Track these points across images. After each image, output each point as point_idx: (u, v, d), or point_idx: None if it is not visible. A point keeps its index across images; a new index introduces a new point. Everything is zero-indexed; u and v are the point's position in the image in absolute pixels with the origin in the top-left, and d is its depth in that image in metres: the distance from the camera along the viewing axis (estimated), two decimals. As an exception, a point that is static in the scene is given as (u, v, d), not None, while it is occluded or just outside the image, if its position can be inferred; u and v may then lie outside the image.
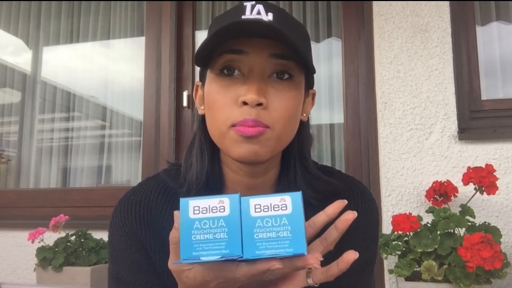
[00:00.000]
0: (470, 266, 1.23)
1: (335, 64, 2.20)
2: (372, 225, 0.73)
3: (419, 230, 1.36)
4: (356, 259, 0.68)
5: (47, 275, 1.64)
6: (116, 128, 2.49)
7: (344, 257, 0.49)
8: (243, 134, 0.59)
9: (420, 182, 1.67)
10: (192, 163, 0.69)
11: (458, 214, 1.37)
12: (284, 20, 0.62)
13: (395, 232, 1.41)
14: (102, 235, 1.72)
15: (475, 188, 1.48)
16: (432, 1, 1.76)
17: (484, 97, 1.73)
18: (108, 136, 2.50)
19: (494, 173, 1.44)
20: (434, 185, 1.55)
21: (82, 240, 1.71)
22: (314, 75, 0.69)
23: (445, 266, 1.30)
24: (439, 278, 1.29)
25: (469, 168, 1.48)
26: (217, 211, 0.44)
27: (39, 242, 1.70)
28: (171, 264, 0.51)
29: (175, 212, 0.48)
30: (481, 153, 1.65)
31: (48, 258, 1.64)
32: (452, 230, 1.35)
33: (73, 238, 1.72)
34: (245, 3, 0.63)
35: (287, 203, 0.45)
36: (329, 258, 0.50)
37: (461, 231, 1.35)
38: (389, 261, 1.60)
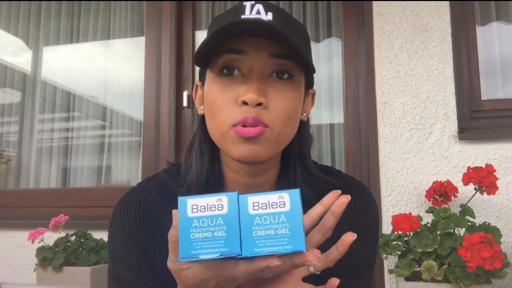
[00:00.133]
0: (470, 266, 1.23)
1: (335, 64, 2.20)
2: (372, 225, 0.73)
3: (419, 230, 1.36)
4: (356, 259, 0.68)
5: (47, 275, 1.64)
6: (116, 128, 2.49)
7: (343, 239, 0.50)
8: (242, 136, 0.59)
9: (420, 182, 1.67)
10: (192, 163, 0.69)
11: (458, 214, 1.37)
12: (284, 19, 0.62)
13: (395, 232, 1.41)
14: (102, 235, 1.72)
15: (475, 188, 1.48)
16: (432, 1, 1.76)
17: (484, 97, 1.73)
18: (108, 136, 2.50)
19: (494, 173, 1.44)
20: (434, 185, 1.55)
21: (82, 240, 1.71)
22: (314, 75, 0.69)
23: (445, 266, 1.30)
24: (439, 278, 1.29)
25: (469, 168, 1.48)
26: (215, 209, 0.45)
27: (39, 242, 1.70)
28: (170, 263, 0.51)
29: (174, 211, 0.48)
30: (481, 153, 1.65)
31: (48, 258, 1.64)
32: (452, 230, 1.35)
33: (73, 238, 1.72)
34: (244, 3, 0.63)
35: (285, 201, 0.45)
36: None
37: (461, 231, 1.35)
38: (389, 261, 1.60)
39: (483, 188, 1.45)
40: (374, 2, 1.82)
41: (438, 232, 1.34)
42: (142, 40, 2.21)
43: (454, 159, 1.66)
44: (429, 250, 1.31)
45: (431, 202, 1.54)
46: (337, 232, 0.52)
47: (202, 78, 0.68)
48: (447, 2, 1.75)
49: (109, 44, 2.54)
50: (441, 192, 1.52)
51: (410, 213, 1.40)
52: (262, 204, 0.45)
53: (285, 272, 0.49)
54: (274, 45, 0.60)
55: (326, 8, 2.27)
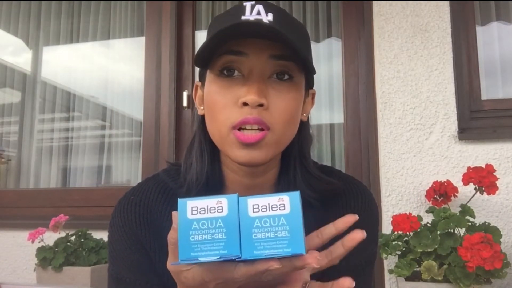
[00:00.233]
0: (470, 266, 1.23)
1: (335, 64, 2.20)
2: (372, 225, 0.73)
3: (419, 230, 1.36)
4: (356, 259, 0.68)
5: (47, 275, 1.64)
6: (116, 128, 2.49)
7: (351, 236, 0.48)
8: (242, 142, 0.59)
9: (420, 182, 1.67)
10: (192, 163, 0.69)
11: (458, 214, 1.37)
12: (284, 20, 0.62)
13: (395, 232, 1.41)
14: (102, 235, 1.72)
15: (475, 188, 1.48)
16: (432, 1, 1.76)
17: (484, 97, 1.73)
18: (108, 136, 2.51)
19: (494, 173, 1.44)
20: (434, 185, 1.55)
21: (82, 240, 1.71)
22: (314, 75, 0.69)
23: (445, 266, 1.30)
24: (439, 278, 1.29)
25: (469, 168, 1.48)
26: (215, 212, 0.44)
27: (39, 242, 1.70)
28: (170, 265, 0.51)
29: (174, 213, 0.48)
30: (481, 153, 1.65)
31: (48, 258, 1.64)
32: (452, 230, 1.35)
33: (73, 238, 1.72)
34: (245, 3, 0.62)
35: (285, 203, 0.45)
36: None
37: (461, 231, 1.35)
38: (389, 261, 1.60)
39: (483, 188, 1.45)
40: (374, 2, 1.82)
41: (438, 232, 1.34)
42: (142, 40, 2.21)
43: (454, 159, 1.66)
44: (429, 250, 1.31)
45: (431, 202, 1.54)
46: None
47: (202, 78, 0.68)
48: (447, 2, 1.75)
49: (109, 44, 2.54)
50: (441, 192, 1.52)
51: (410, 213, 1.40)
52: (262, 206, 0.45)
53: (284, 274, 0.49)
54: (274, 46, 0.60)
55: (326, 8, 2.27)
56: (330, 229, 0.50)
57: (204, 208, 0.45)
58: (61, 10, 2.57)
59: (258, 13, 0.61)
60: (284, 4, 2.28)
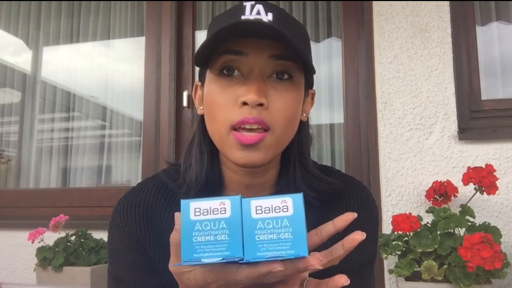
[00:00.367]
0: (470, 266, 1.23)
1: (335, 64, 2.20)
2: (372, 225, 0.73)
3: (419, 230, 1.36)
4: (356, 259, 0.68)
5: (47, 275, 1.64)
6: (116, 128, 2.49)
7: (351, 237, 0.48)
8: (242, 142, 0.59)
9: (420, 182, 1.67)
10: (191, 163, 0.69)
11: (458, 214, 1.37)
12: (284, 20, 0.62)
13: (395, 232, 1.41)
14: (102, 235, 1.72)
15: (475, 188, 1.48)
16: (432, 1, 1.76)
17: (484, 97, 1.73)
18: (108, 136, 2.51)
19: (494, 173, 1.44)
20: (434, 185, 1.55)
21: (82, 240, 1.71)
22: (314, 75, 0.69)
23: (445, 266, 1.30)
24: (439, 278, 1.29)
25: (469, 168, 1.48)
26: (218, 213, 0.44)
27: (39, 242, 1.70)
28: (172, 266, 0.51)
29: (176, 214, 0.48)
30: (481, 153, 1.65)
31: (48, 258, 1.64)
32: (452, 230, 1.35)
33: (73, 238, 1.72)
34: (244, 3, 0.62)
35: (288, 205, 0.45)
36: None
37: (461, 231, 1.35)
38: (389, 261, 1.60)
39: (483, 188, 1.45)
40: (374, 2, 1.82)
41: (438, 232, 1.34)
42: (142, 40, 2.21)
43: (454, 159, 1.66)
44: (429, 250, 1.31)
45: (431, 202, 1.54)
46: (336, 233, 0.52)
47: (201, 78, 0.68)
48: (447, 2, 1.75)
49: (109, 44, 2.54)
50: (441, 192, 1.52)
51: (410, 213, 1.40)
52: (265, 208, 0.45)
53: (287, 276, 0.49)
54: (274, 46, 0.60)
55: (326, 8, 2.27)
56: (329, 228, 0.50)
57: (207, 209, 0.45)
58: (61, 10, 2.57)
59: (258, 12, 0.61)
60: (284, 4, 2.28)
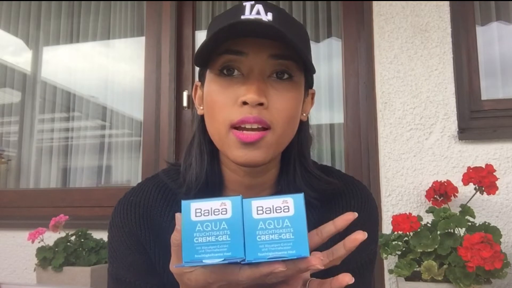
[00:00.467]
0: (470, 266, 1.23)
1: (335, 64, 2.20)
2: (372, 225, 0.73)
3: (419, 230, 1.36)
4: (356, 259, 0.68)
5: (47, 275, 1.64)
6: (116, 128, 2.49)
7: (352, 237, 0.48)
8: (242, 140, 0.59)
9: (420, 182, 1.67)
10: (192, 163, 0.69)
11: (458, 214, 1.37)
12: (283, 20, 0.62)
13: (395, 232, 1.41)
14: (102, 235, 1.72)
15: (475, 188, 1.48)
16: (432, 1, 1.76)
17: (484, 97, 1.73)
18: (108, 136, 2.51)
19: (494, 173, 1.44)
20: (434, 185, 1.55)
21: (82, 240, 1.71)
22: (314, 75, 0.69)
23: (445, 266, 1.30)
24: (439, 278, 1.29)
25: (469, 168, 1.48)
26: (219, 213, 0.44)
27: (39, 242, 1.70)
28: (173, 267, 0.51)
29: (177, 214, 0.48)
30: (481, 153, 1.65)
31: (48, 258, 1.64)
32: (452, 230, 1.35)
33: (73, 238, 1.72)
34: (244, 3, 0.62)
35: (289, 205, 0.45)
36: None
37: (461, 231, 1.35)
38: (389, 261, 1.60)
39: (483, 188, 1.45)
40: (374, 2, 1.82)
41: (438, 232, 1.34)
42: (142, 40, 2.21)
43: (454, 159, 1.66)
44: (429, 250, 1.31)
45: (431, 202, 1.54)
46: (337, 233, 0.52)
47: (201, 78, 0.68)
48: (447, 2, 1.75)
49: (109, 44, 2.54)
50: (441, 192, 1.52)
51: (410, 213, 1.40)
52: (266, 208, 0.45)
53: (289, 277, 0.49)
54: (274, 45, 0.60)
55: (326, 8, 2.27)
56: (329, 227, 0.50)
57: (208, 210, 0.45)
58: (61, 10, 2.57)
59: (258, 12, 0.61)
60: (284, 4, 2.28)
